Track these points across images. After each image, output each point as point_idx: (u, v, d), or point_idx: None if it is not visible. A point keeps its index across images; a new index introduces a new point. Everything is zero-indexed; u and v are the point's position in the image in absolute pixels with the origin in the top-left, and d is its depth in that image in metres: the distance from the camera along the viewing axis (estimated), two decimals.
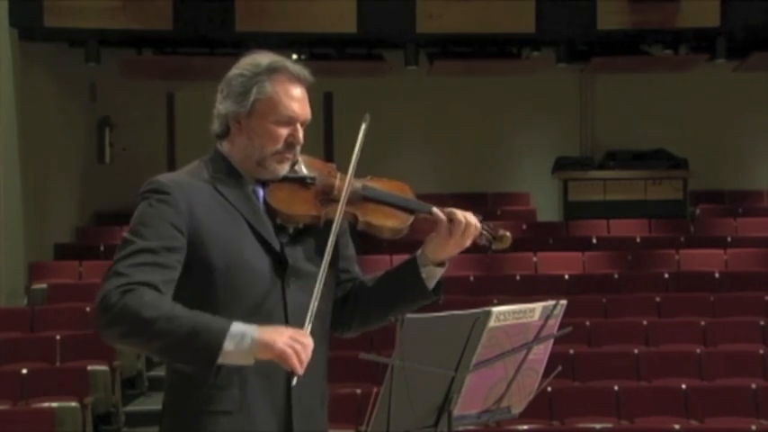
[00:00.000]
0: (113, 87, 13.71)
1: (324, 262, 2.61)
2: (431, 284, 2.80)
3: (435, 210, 2.77)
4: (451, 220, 2.74)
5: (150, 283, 2.50)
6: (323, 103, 14.38)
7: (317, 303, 2.55)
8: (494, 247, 2.83)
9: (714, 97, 14.66)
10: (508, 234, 2.83)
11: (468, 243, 2.77)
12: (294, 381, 2.49)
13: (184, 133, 14.00)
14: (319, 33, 12.48)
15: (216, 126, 2.77)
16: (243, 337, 2.45)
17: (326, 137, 14.24)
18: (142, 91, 14.00)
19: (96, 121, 14.00)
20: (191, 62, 12.70)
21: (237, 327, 2.47)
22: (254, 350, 2.46)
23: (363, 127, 2.73)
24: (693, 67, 13.78)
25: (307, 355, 2.45)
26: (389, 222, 2.77)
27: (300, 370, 2.44)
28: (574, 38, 13.18)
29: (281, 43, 12.21)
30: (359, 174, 2.75)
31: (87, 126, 13.95)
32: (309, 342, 2.47)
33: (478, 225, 2.76)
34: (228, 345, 2.44)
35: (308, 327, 2.52)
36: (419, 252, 2.80)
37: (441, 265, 2.79)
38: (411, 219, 2.78)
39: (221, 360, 2.45)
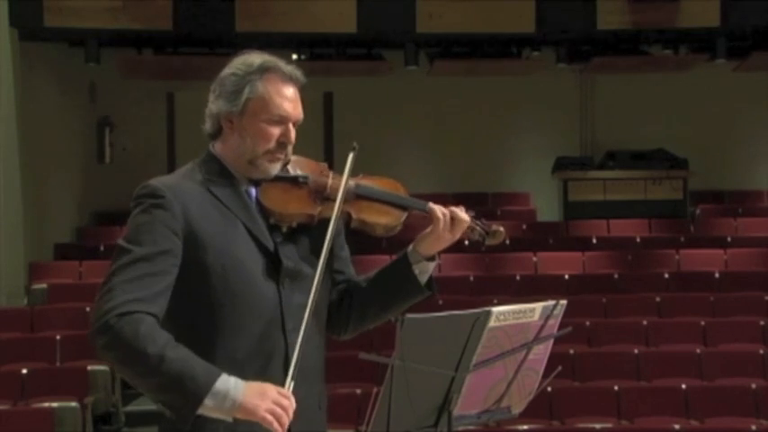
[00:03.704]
0: (113, 87, 13.71)
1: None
2: (423, 279, 2.81)
3: (431, 206, 2.79)
4: (444, 215, 2.76)
5: (145, 300, 2.49)
6: (323, 103, 14.38)
7: (301, 339, 2.53)
8: (487, 242, 2.85)
9: (714, 97, 14.65)
10: (501, 229, 2.85)
11: (457, 237, 2.78)
12: None
13: (184, 133, 13.98)
14: (319, 33, 12.48)
15: (208, 126, 2.77)
16: (225, 398, 2.45)
17: (326, 137, 14.25)
18: (142, 91, 14.00)
19: (96, 121, 13.99)
20: (191, 62, 12.70)
21: (222, 384, 2.45)
22: (233, 412, 2.46)
23: (351, 156, 2.72)
24: (693, 67, 13.78)
25: (288, 416, 2.45)
26: (383, 219, 2.78)
27: None
28: (574, 38, 13.19)
29: (281, 43, 12.23)
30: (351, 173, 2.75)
31: (87, 126, 13.94)
32: (291, 403, 2.47)
33: (469, 220, 2.78)
34: (209, 401, 2.45)
35: (289, 384, 2.50)
36: (410, 248, 2.82)
37: (431, 259, 2.81)
38: (404, 215, 2.79)
39: (200, 411, 2.46)
